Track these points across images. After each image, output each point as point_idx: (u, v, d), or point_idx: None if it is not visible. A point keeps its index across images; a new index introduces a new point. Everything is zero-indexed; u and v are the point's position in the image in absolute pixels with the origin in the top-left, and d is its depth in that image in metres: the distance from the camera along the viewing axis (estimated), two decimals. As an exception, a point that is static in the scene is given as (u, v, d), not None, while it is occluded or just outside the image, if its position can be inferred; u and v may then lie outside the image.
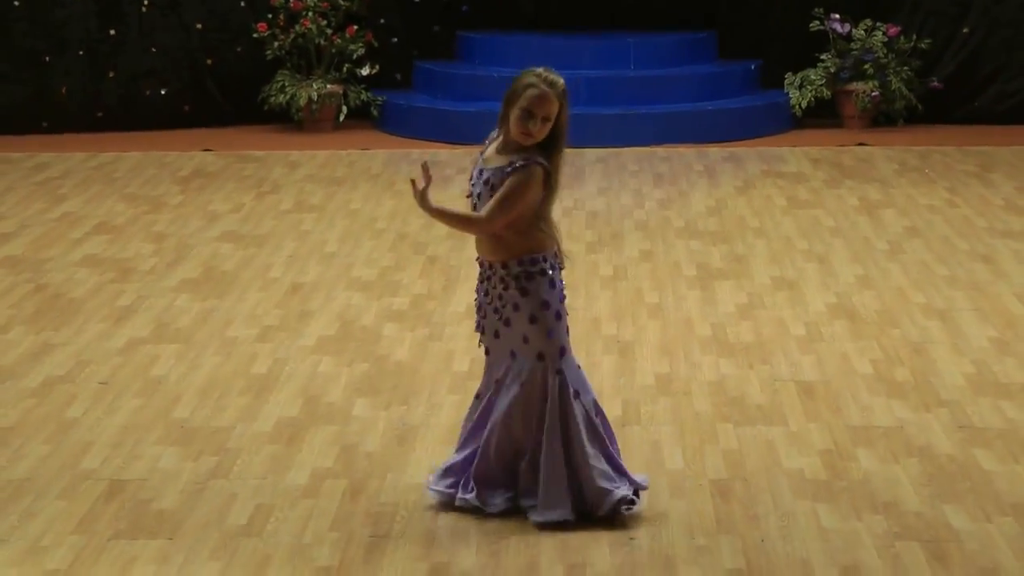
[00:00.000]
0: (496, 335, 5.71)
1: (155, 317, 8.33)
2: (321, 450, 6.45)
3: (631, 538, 5.57)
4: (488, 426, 5.71)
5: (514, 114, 5.60)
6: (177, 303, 8.60)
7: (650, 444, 6.47)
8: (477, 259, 5.81)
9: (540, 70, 5.62)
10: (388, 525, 5.71)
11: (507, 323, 5.66)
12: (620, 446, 6.39)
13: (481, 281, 5.77)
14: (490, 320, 5.72)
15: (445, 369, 7.46)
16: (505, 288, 5.65)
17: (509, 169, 5.63)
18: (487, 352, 5.78)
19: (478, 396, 5.83)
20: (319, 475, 6.18)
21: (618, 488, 5.67)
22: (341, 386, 7.23)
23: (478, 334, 5.81)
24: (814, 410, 6.86)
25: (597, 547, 5.51)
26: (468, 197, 5.77)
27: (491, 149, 5.77)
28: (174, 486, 6.08)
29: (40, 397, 7.11)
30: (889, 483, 6.05)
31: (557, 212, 10.84)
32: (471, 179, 5.77)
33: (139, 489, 6.05)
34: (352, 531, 5.67)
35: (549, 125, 5.61)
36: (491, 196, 5.64)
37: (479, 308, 5.77)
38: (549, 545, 5.53)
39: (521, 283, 5.64)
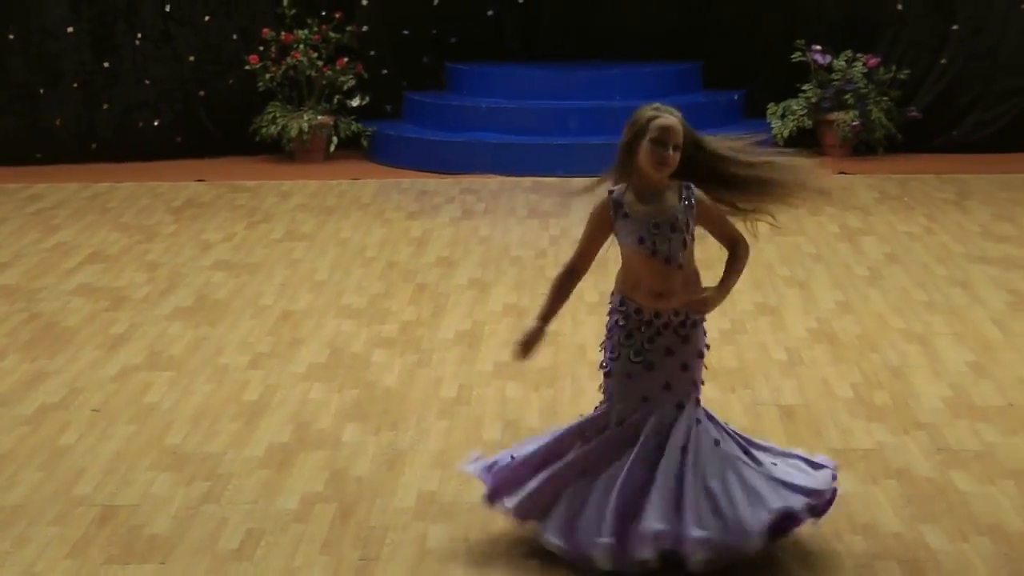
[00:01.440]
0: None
1: (148, 345, 8.34)
2: (311, 475, 6.45)
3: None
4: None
5: (644, 148, 5.41)
6: (170, 331, 8.60)
7: (634, 468, 6.47)
8: (653, 312, 5.55)
9: (656, 104, 5.51)
10: (377, 548, 5.72)
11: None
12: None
13: (637, 331, 5.56)
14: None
15: (434, 395, 7.47)
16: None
17: (688, 201, 5.48)
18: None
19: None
20: (309, 499, 6.19)
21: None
22: (331, 412, 7.24)
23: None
24: (795, 433, 6.88)
25: (580, 570, 5.50)
26: (648, 252, 5.48)
27: (629, 199, 5.49)
28: (166, 511, 6.08)
29: (34, 424, 7.11)
30: (868, 504, 6.07)
31: (544, 241, 10.91)
32: (638, 239, 5.46)
33: (132, 514, 6.05)
34: (342, 554, 5.67)
35: (679, 154, 5.44)
36: (686, 237, 5.46)
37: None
38: (534, 567, 5.53)
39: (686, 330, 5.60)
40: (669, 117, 5.46)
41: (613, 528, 5.39)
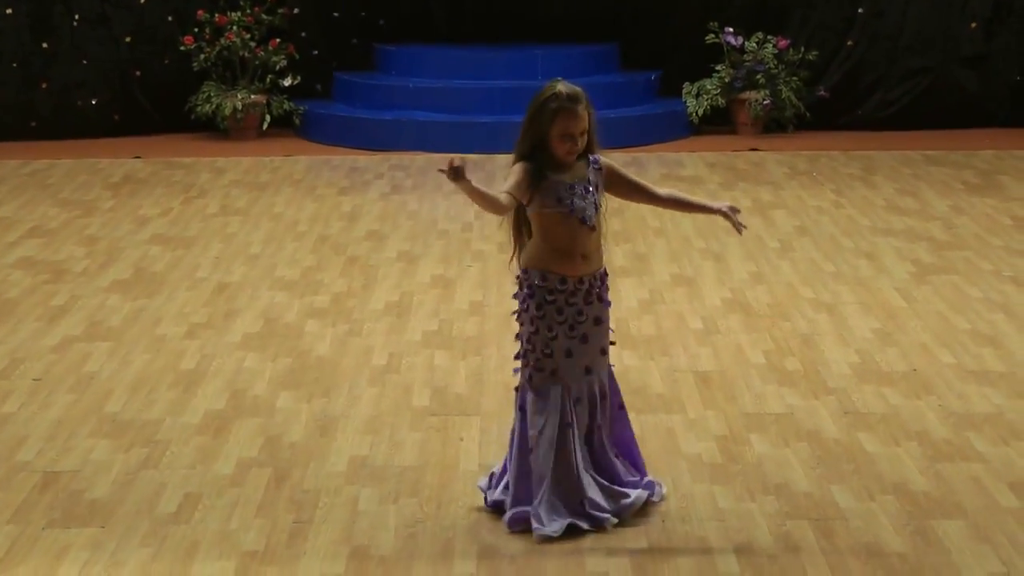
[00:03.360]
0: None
1: (87, 316, 8.25)
2: (247, 441, 6.41)
3: (540, 520, 5.57)
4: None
5: (555, 139, 5.37)
6: (109, 303, 8.52)
7: (557, 432, 6.47)
8: (577, 279, 5.47)
9: (558, 88, 5.38)
10: (311, 511, 5.69)
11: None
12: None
13: (569, 304, 5.48)
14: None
15: (364, 363, 7.44)
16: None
17: (596, 165, 5.48)
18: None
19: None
20: (245, 465, 6.15)
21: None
22: (265, 380, 7.20)
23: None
24: (710, 398, 6.90)
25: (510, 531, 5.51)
26: (567, 210, 5.42)
27: (545, 170, 5.41)
28: (106, 477, 6.02)
29: (-23, 393, 7.03)
30: (780, 466, 6.10)
31: (469, 215, 10.88)
32: (564, 202, 5.41)
33: (72, 480, 5.99)
34: (277, 517, 5.64)
35: (585, 136, 5.42)
36: (597, 199, 5.45)
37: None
38: (463, 528, 5.53)
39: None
40: (573, 107, 5.35)
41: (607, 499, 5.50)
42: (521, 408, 5.52)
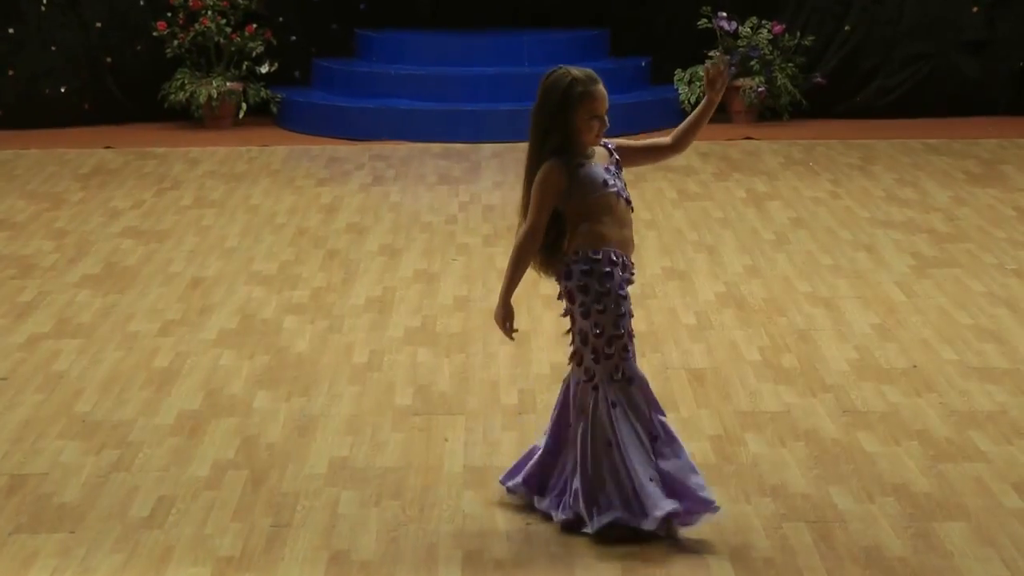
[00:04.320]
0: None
1: (56, 312, 8.23)
2: (222, 442, 6.40)
3: (527, 523, 5.57)
4: None
5: (582, 121, 5.36)
6: (78, 298, 8.49)
7: (545, 432, 6.47)
8: (628, 255, 5.51)
9: (573, 72, 5.39)
10: (289, 515, 5.68)
11: None
12: (517, 434, 6.43)
13: (628, 282, 5.50)
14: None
15: (345, 361, 7.43)
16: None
17: (611, 147, 5.53)
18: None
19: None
20: (220, 466, 6.13)
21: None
22: (242, 378, 7.18)
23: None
24: (704, 396, 6.90)
25: (495, 534, 5.51)
26: (615, 192, 5.45)
27: (578, 157, 5.41)
28: (76, 480, 6.00)
29: (-59, 393, 7.01)
30: (776, 466, 6.09)
31: (454, 207, 10.87)
32: (609, 185, 5.44)
33: (40, 483, 5.97)
34: (254, 521, 5.63)
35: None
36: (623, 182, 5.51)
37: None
38: (447, 532, 5.52)
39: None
40: (599, 88, 5.39)
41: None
42: (595, 407, 5.43)
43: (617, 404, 5.43)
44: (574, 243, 5.45)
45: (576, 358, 5.50)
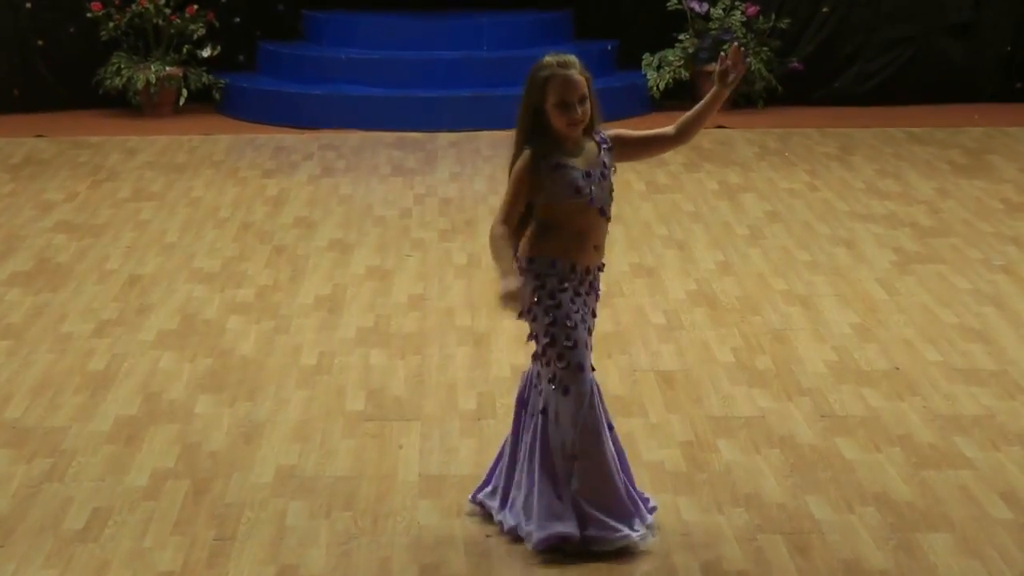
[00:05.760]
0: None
1: (-16, 312, 8.22)
2: (162, 450, 6.39)
3: (487, 535, 5.58)
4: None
5: (551, 113, 5.37)
6: (8, 297, 8.47)
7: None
8: (585, 268, 5.50)
9: (546, 58, 5.40)
10: (234, 527, 5.67)
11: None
12: (476, 441, 6.44)
13: (578, 294, 5.50)
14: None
15: (292, 363, 7.42)
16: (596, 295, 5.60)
17: (606, 144, 5.51)
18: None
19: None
20: (160, 476, 6.12)
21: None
22: (183, 382, 7.17)
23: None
24: (674, 400, 6.92)
25: (452, 546, 5.51)
26: (586, 201, 5.42)
27: (557, 154, 5.40)
28: (5, 490, 5.98)
29: None
30: (750, 474, 6.12)
31: (408, 199, 10.87)
32: (583, 192, 5.40)
33: (-32, 494, 5.96)
34: (196, 534, 5.62)
35: (588, 103, 5.43)
36: (611, 184, 5.49)
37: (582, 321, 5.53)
38: (402, 545, 5.52)
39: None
40: (565, 73, 5.37)
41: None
42: (543, 411, 5.47)
43: (546, 411, 5.46)
44: (532, 245, 5.46)
45: (535, 358, 5.53)
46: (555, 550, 5.39)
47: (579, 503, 5.43)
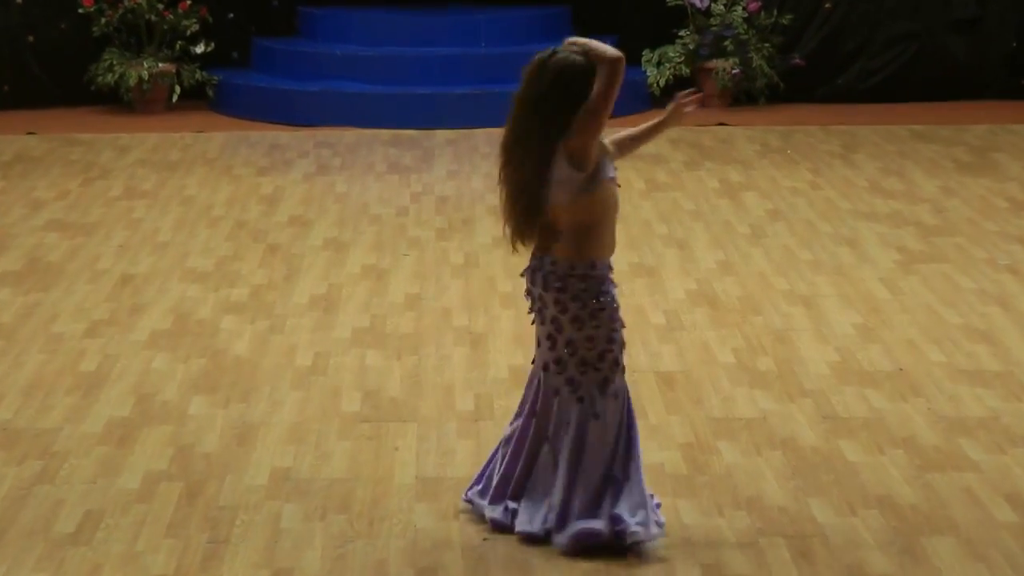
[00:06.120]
0: None
1: (-26, 312, 8.22)
2: (155, 451, 6.39)
3: (484, 538, 5.58)
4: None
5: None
6: (-2, 297, 8.48)
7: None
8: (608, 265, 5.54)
9: (557, 52, 5.52)
10: (227, 530, 5.67)
11: None
12: (473, 443, 6.43)
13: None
14: None
15: (287, 364, 7.42)
16: None
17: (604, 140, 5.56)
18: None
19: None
20: (153, 478, 6.12)
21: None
22: (176, 383, 7.17)
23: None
24: (674, 402, 6.92)
25: (448, 549, 5.52)
26: (616, 201, 5.51)
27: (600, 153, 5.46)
28: (-4, 493, 5.99)
29: None
30: (752, 477, 6.12)
31: (405, 198, 10.88)
32: (614, 178, 5.49)
33: (-42, 497, 5.96)
34: (189, 537, 5.62)
35: None
36: None
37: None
38: (398, 548, 5.52)
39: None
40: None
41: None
42: (593, 414, 5.46)
43: (600, 416, 5.46)
44: (570, 251, 5.45)
45: (558, 367, 5.51)
46: (585, 549, 5.41)
47: (610, 500, 5.46)
